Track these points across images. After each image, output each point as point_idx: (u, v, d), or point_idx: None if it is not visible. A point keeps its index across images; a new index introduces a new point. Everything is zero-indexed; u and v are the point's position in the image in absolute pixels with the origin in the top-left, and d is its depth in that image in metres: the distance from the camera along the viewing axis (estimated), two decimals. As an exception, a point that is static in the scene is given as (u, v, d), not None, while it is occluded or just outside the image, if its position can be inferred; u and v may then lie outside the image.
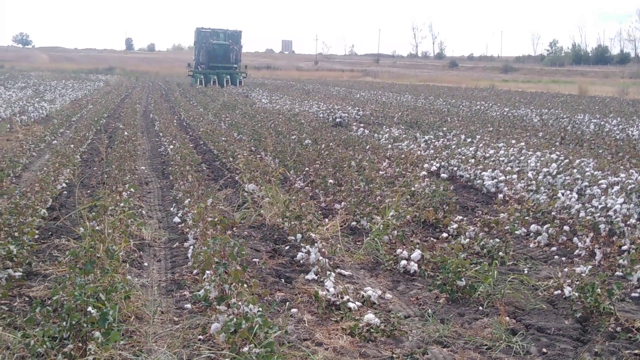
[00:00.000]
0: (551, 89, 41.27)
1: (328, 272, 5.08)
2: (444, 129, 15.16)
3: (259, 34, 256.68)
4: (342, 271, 5.47)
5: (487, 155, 10.80)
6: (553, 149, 11.70)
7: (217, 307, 4.11)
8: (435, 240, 6.30)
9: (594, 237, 6.17)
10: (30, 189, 7.57)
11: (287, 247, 6.16)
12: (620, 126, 16.85)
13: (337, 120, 18.18)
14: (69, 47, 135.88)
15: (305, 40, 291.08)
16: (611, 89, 39.95)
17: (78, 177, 9.23)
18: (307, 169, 9.49)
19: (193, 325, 4.22)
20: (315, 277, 5.24)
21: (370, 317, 4.29)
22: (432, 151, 11.66)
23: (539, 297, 4.94)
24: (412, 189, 8.06)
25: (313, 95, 31.21)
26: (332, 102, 24.17)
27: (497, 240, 6.09)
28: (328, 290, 4.69)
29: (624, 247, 5.99)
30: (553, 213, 7.13)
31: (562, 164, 9.70)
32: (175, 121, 17.80)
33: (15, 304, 4.56)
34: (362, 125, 16.76)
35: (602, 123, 17.56)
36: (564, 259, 6.01)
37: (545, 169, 9.23)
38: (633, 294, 4.99)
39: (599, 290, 4.47)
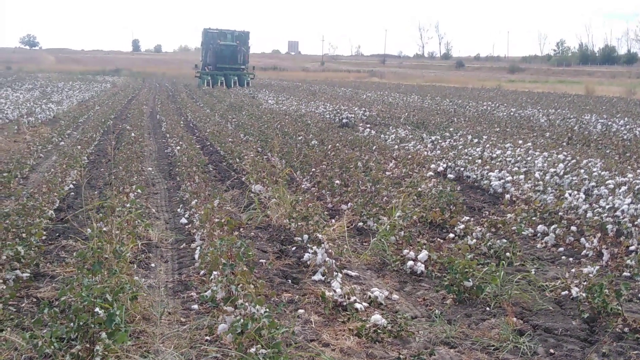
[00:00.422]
0: (558, 89, 41.15)
1: (335, 273, 5.08)
2: (451, 129, 15.14)
3: (265, 34, 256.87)
4: (349, 272, 5.47)
5: (494, 155, 10.78)
6: (560, 149, 11.67)
7: (224, 307, 4.12)
8: (442, 240, 6.29)
9: (601, 237, 6.15)
10: (38, 190, 7.59)
11: (293, 248, 6.16)
12: (627, 126, 16.79)
13: (344, 121, 18.18)
14: (76, 48, 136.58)
15: (311, 41, 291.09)
16: (618, 89, 39.82)
17: (85, 178, 9.26)
18: (313, 169, 9.49)
19: (200, 326, 4.23)
20: (322, 278, 5.24)
21: (377, 317, 4.29)
22: (438, 152, 11.65)
23: (546, 298, 4.93)
24: (419, 189, 8.05)
25: (319, 96, 31.21)
26: (338, 103, 24.18)
27: (504, 240, 6.07)
28: (335, 291, 4.68)
29: (632, 248, 5.97)
30: (560, 213, 7.10)
31: (569, 164, 9.67)
32: (182, 122, 17.84)
33: (23, 305, 4.58)
34: (368, 125, 16.75)
35: (610, 123, 17.51)
36: (571, 259, 5.99)
37: (552, 170, 9.20)
38: (641, 295, 4.97)
39: (606, 290, 4.46)
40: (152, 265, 5.67)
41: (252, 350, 3.51)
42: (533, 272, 5.50)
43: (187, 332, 4.12)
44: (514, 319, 4.42)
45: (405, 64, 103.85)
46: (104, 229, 5.58)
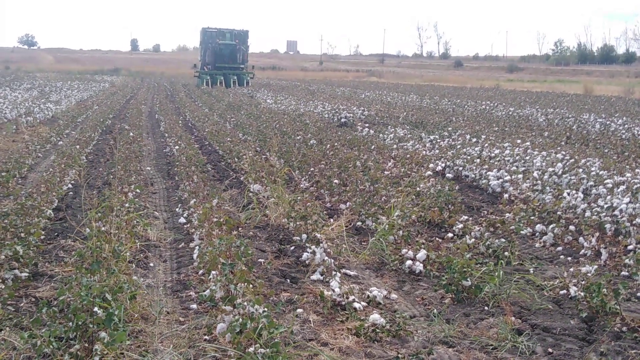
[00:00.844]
0: (556, 89, 41.19)
1: (333, 272, 5.08)
2: (449, 128, 15.14)
3: (263, 34, 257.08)
4: (348, 271, 5.47)
5: (493, 155, 10.79)
6: (559, 148, 11.68)
7: (223, 307, 4.12)
8: (440, 240, 6.29)
9: (599, 236, 6.16)
10: (36, 189, 7.59)
11: (292, 248, 6.16)
12: (626, 126, 16.80)
13: (342, 120, 18.18)
14: (74, 48, 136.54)
15: (310, 40, 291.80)
16: (617, 88, 39.84)
17: (84, 178, 9.25)
18: (312, 169, 9.49)
19: (199, 326, 4.23)
20: (321, 277, 5.24)
21: (375, 317, 4.29)
22: (437, 151, 11.65)
23: (545, 297, 4.93)
24: (418, 189, 8.06)
25: (318, 95, 31.21)
26: (337, 103, 24.19)
27: (503, 240, 6.07)
28: (333, 291, 4.69)
29: (630, 247, 5.98)
30: (559, 213, 7.11)
31: (567, 163, 9.68)
32: (180, 122, 17.83)
33: (22, 304, 4.57)
34: (367, 125, 16.75)
35: (608, 122, 17.52)
36: (569, 258, 5.99)
37: (550, 169, 9.21)
38: (639, 294, 4.97)
39: (604, 290, 4.46)
40: (151, 264, 5.67)
41: (251, 349, 3.51)
42: (531, 272, 5.51)
43: (185, 332, 4.12)
44: (513, 318, 4.42)
45: (403, 64, 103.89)
46: (103, 228, 5.59)
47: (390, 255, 5.84)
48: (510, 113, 21.35)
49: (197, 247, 5.75)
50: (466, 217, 7.02)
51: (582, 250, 6.10)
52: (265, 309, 3.88)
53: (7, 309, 4.37)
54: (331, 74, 71.44)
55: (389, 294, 4.98)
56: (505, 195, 8.32)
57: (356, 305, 4.54)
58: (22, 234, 5.60)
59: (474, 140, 12.85)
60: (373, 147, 12.10)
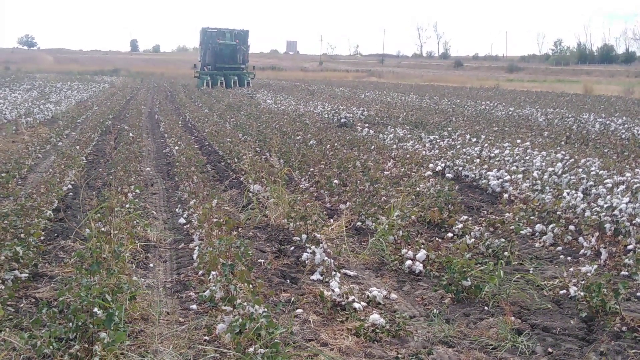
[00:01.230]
0: (556, 89, 41.17)
1: (333, 273, 5.09)
2: (449, 129, 15.14)
3: (263, 34, 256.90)
4: (348, 271, 5.47)
5: (492, 155, 10.79)
6: (558, 148, 11.68)
7: (223, 307, 4.12)
8: (440, 240, 6.29)
9: (599, 236, 6.16)
10: (36, 190, 7.59)
11: (292, 248, 6.16)
12: (625, 125, 16.80)
13: (342, 120, 18.18)
14: (74, 48, 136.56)
15: (310, 40, 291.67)
16: (616, 88, 39.84)
17: (83, 179, 9.25)
18: (312, 169, 9.50)
19: (199, 326, 4.23)
20: (321, 278, 5.24)
21: (375, 317, 4.29)
22: (437, 151, 11.65)
23: (545, 297, 4.94)
24: (417, 189, 8.06)
25: (318, 95, 31.22)
26: (336, 103, 24.19)
27: (503, 240, 6.08)
28: (333, 291, 4.69)
29: (630, 247, 5.98)
30: (558, 212, 7.11)
31: (567, 163, 9.68)
32: (180, 122, 17.84)
33: (22, 305, 4.58)
34: (367, 125, 16.75)
35: (608, 122, 17.52)
36: (569, 258, 6.00)
37: (550, 169, 9.21)
38: (639, 294, 4.98)
39: (604, 289, 4.46)
40: (151, 265, 5.67)
41: (251, 350, 3.52)
42: (531, 272, 5.52)
43: (185, 332, 4.12)
44: (512, 318, 4.42)
45: (403, 64, 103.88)
46: (103, 229, 5.58)
47: (390, 255, 5.84)
48: (510, 113, 21.35)
49: (197, 248, 5.75)
50: (466, 217, 7.02)
51: (582, 250, 6.10)
52: (265, 309, 3.88)
53: (7, 310, 4.36)
54: (331, 74, 71.42)
55: (389, 294, 4.98)
56: (505, 195, 8.32)
57: (356, 305, 4.55)
58: (22, 235, 5.60)
59: (474, 140, 12.85)
60: (373, 147, 12.10)
